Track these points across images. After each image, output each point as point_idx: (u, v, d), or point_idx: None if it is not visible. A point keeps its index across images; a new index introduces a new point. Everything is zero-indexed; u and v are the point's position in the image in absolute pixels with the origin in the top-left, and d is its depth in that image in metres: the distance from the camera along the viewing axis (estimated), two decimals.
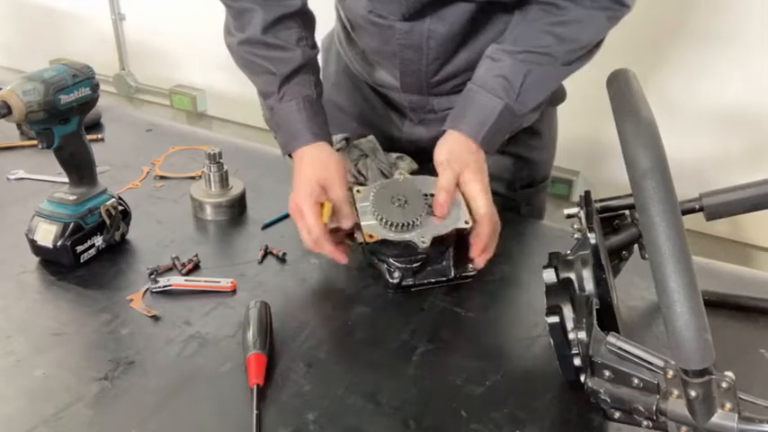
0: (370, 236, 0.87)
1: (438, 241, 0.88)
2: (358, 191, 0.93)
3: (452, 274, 0.92)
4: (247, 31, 0.99)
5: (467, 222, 0.89)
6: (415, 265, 0.90)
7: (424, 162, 1.12)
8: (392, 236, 0.87)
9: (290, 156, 1.00)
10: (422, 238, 0.86)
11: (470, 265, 0.92)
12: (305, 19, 1.02)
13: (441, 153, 0.93)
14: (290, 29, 1.00)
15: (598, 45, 0.98)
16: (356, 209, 0.91)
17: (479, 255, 0.89)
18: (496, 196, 1.00)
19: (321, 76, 1.30)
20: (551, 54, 0.93)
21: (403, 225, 0.87)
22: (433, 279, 0.92)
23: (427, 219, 0.89)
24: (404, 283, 0.91)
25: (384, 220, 0.87)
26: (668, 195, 0.53)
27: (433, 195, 0.91)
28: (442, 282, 0.92)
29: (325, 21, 1.04)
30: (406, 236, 0.87)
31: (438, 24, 1.00)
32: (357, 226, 0.90)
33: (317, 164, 0.94)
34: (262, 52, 0.99)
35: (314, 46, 1.03)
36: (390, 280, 0.90)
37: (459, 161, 0.91)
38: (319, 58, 1.31)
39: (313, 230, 0.89)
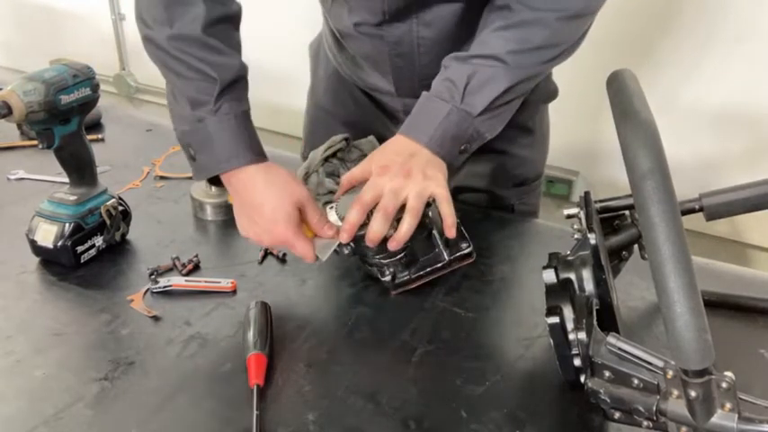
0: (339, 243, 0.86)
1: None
2: (331, 208, 0.91)
3: (447, 257, 0.90)
4: (180, 26, 0.87)
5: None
6: (400, 256, 0.89)
7: None
8: (359, 232, 0.85)
9: (211, 181, 0.90)
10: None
11: (464, 244, 0.90)
12: (238, 25, 0.95)
13: (375, 164, 0.88)
14: (231, 32, 0.93)
15: (564, 52, 0.93)
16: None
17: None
18: (489, 194, 0.99)
19: (310, 81, 1.29)
20: (497, 57, 0.90)
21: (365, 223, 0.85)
22: (430, 268, 0.90)
23: None
24: (399, 279, 0.90)
25: (343, 219, 0.86)
26: (668, 196, 0.53)
27: None
28: (439, 269, 0.91)
29: (312, 26, 1.01)
30: (364, 230, 0.85)
31: (426, 30, 1.00)
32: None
33: (280, 186, 0.86)
34: (200, 53, 0.87)
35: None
36: (383, 279, 0.90)
37: (383, 158, 0.88)
38: (307, 62, 1.31)
39: (309, 254, 0.86)
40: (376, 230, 0.83)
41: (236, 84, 0.90)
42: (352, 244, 0.87)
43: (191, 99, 0.88)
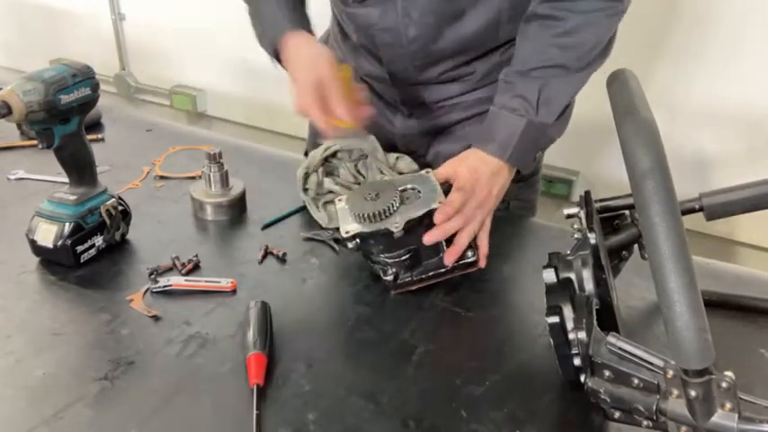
0: (347, 231, 0.87)
1: (420, 226, 0.88)
2: (339, 200, 0.94)
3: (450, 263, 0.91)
4: None
5: (440, 203, 0.89)
6: (405, 258, 0.89)
7: (419, 157, 1.12)
8: (367, 228, 0.87)
9: (277, 59, 1.02)
10: (395, 223, 0.86)
11: (469, 252, 0.91)
12: None
13: (462, 169, 0.94)
14: None
15: (610, 42, 0.99)
16: (338, 216, 0.91)
17: (440, 219, 0.88)
18: None
19: None
20: (562, 65, 0.96)
21: (374, 215, 0.87)
22: (432, 272, 0.91)
23: (402, 208, 0.89)
24: (400, 279, 0.90)
25: (357, 214, 0.88)
26: (668, 195, 0.53)
27: (412, 190, 0.92)
28: (442, 274, 0.91)
29: (312, 26, 1.05)
30: (380, 225, 0.87)
31: (411, 2, 1.01)
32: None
33: (306, 60, 0.97)
34: None
35: None
36: (385, 278, 0.90)
37: (473, 185, 0.93)
38: None
39: (322, 125, 0.92)
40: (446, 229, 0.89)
41: None
42: (358, 240, 0.88)
43: None
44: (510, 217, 1.12)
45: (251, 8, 1.08)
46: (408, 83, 1.13)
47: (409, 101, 1.17)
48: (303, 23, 1.02)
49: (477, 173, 0.94)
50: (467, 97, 1.14)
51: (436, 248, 0.91)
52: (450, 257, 0.90)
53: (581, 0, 0.94)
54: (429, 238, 0.88)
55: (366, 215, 0.87)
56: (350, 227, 0.88)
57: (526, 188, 1.23)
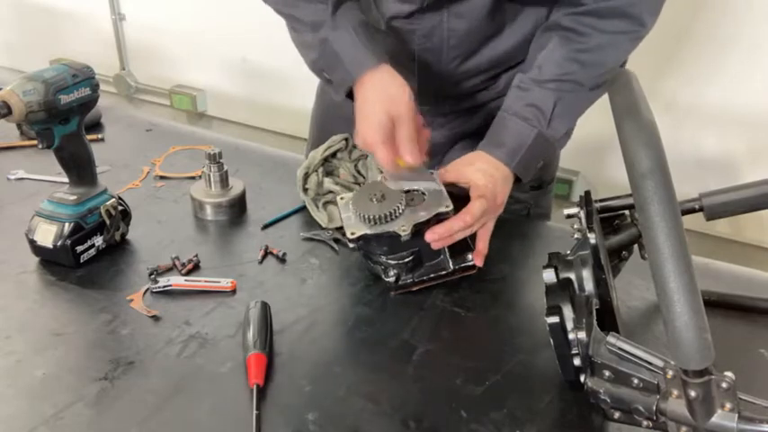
0: (352, 233, 0.87)
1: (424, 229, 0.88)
2: (341, 198, 0.93)
3: (451, 266, 0.91)
4: None
5: (447, 207, 0.88)
6: (407, 260, 0.90)
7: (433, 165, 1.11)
8: (372, 230, 0.87)
9: (349, 97, 0.95)
10: (402, 226, 0.86)
11: (469, 255, 0.92)
12: None
13: (478, 176, 0.92)
14: None
15: (624, 64, 0.99)
16: (341, 215, 0.91)
17: (451, 227, 0.87)
18: (511, 199, 1.01)
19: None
20: (578, 81, 0.95)
21: (380, 218, 0.86)
22: (433, 274, 0.91)
23: (408, 210, 0.89)
24: (402, 281, 0.91)
25: (363, 216, 0.87)
26: (668, 195, 0.53)
27: (416, 191, 0.91)
28: (442, 276, 0.92)
29: None
30: (387, 228, 0.87)
31: (457, 22, 1.00)
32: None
33: (384, 95, 0.89)
34: None
35: None
36: (386, 279, 0.90)
37: (493, 193, 0.92)
38: None
39: (387, 163, 0.87)
40: (454, 236, 0.88)
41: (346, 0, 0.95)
42: (361, 241, 0.88)
43: (312, 23, 0.94)
44: (510, 217, 1.12)
45: (303, 38, 0.98)
46: (435, 95, 1.11)
47: (429, 111, 1.13)
48: (383, 54, 0.93)
49: (493, 179, 0.92)
50: (486, 108, 1.13)
51: (438, 250, 0.91)
52: (480, 259, 0.91)
53: (607, 20, 0.93)
54: (437, 244, 0.88)
55: (371, 217, 0.87)
56: (355, 229, 0.87)
57: (544, 194, 1.23)
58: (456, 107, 1.14)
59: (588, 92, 0.96)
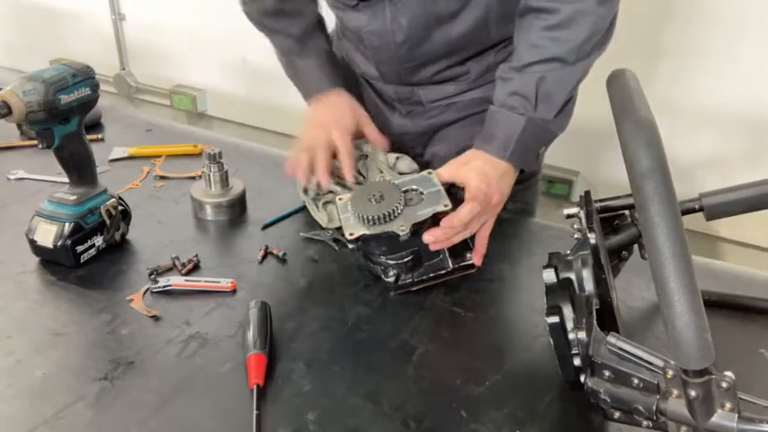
0: (351, 233, 0.87)
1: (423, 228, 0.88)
2: (340, 198, 0.93)
3: (450, 265, 0.91)
4: (263, 2, 1.12)
5: (446, 206, 0.88)
6: (407, 260, 0.90)
7: (415, 157, 1.12)
8: (371, 230, 0.86)
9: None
10: (401, 226, 0.86)
11: (468, 254, 0.92)
12: None
13: (471, 176, 0.91)
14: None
15: (608, 31, 0.96)
16: (339, 216, 0.91)
17: (445, 226, 0.87)
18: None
19: None
20: (557, 58, 0.94)
21: (379, 218, 0.86)
22: (433, 273, 0.91)
23: (406, 210, 0.88)
24: (401, 281, 0.91)
25: (361, 216, 0.87)
26: (668, 195, 0.53)
27: (414, 191, 0.91)
28: (442, 275, 0.92)
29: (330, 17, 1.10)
30: (386, 228, 0.86)
31: (399, 7, 1.02)
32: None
33: (335, 107, 1.08)
34: (281, 19, 1.13)
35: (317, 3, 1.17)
36: (386, 279, 0.90)
37: (486, 194, 0.91)
38: None
39: (347, 164, 1.01)
40: (452, 239, 0.89)
41: (313, 32, 1.15)
42: (360, 241, 0.88)
43: (282, 49, 1.17)
44: (510, 217, 1.12)
45: (288, 65, 1.18)
46: (401, 83, 1.13)
47: (405, 100, 1.17)
48: (339, 80, 1.13)
49: (487, 177, 0.92)
50: (462, 97, 1.14)
51: (438, 251, 0.91)
52: (478, 258, 0.92)
53: None
54: (435, 246, 0.88)
55: (370, 217, 0.87)
56: (354, 229, 0.87)
57: (524, 190, 1.22)
58: (428, 97, 1.15)
59: (572, 66, 0.94)
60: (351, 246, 0.89)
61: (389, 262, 0.90)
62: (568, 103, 0.97)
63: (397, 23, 1.04)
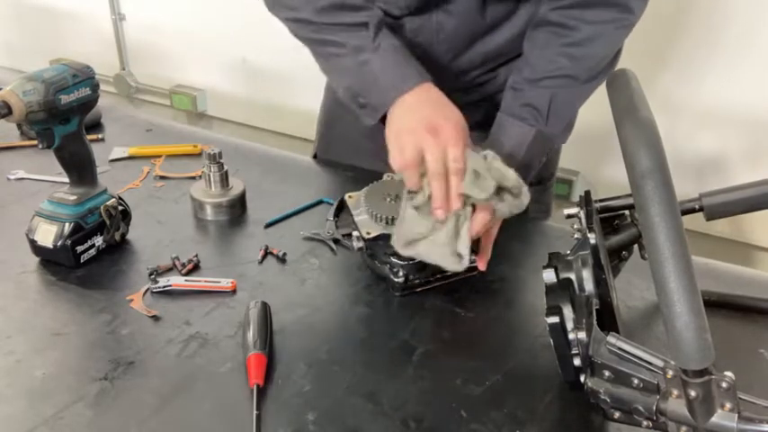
0: (368, 233, 0.87)
1: None
2: (350, 197, 0.93)
3: None
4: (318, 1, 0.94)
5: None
6: (416, 260, 0.90)
7: None
8: (388, 230, 0.87)
9: (382, 121, 0.92)
10: None
11: (473, 256, 0.91)
12: None
13: None
14: None
15: (618, 54, 0.99)
16: (352, 214, 0.91)
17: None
18: None
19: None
20: (571, 75, 0.95)
21: (395, 218, 0.86)
22: (439, 274, 0.91)
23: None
24: (410, 281, 0.90)
25: (377, 216, 0.87)
26: (668, 195, 0.53)
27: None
28: (447, 276, 0.91)
29: None
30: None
31: (446, 18, 1.00)
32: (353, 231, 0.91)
33: (441, 102, 0.89)
34: (344, 13, 0.94)
35: None
36: (395, 280, 0.90)
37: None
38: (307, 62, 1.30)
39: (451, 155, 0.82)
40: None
41: (382, 24, 0.95)
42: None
43: (353, 47, 0.93)
44: (517, 219, 1.12)
45: (340, 62, 0.96)
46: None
47: None
48: (423, 73, 0.92)
49: None
50: (490, 99, 1.12)
51: None
52: (483, 263, 0.89)
53: (593, 10, 0.93)
54: None
55: (387, 218, 0.87)
56: (370, 228, 0.87)
57: (544, 191, 1.23)
58: (458, 101, 1.14)
59: (583, 85, 0.96)
60: (357, 247, 0.88)
61: (399, 262, 0.89)
62: (574, 117, 0.99)
63: (443, 33, 1.02)
